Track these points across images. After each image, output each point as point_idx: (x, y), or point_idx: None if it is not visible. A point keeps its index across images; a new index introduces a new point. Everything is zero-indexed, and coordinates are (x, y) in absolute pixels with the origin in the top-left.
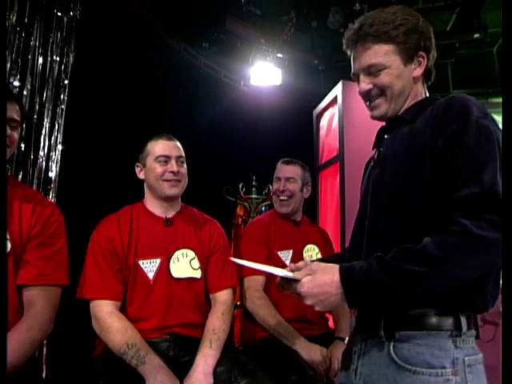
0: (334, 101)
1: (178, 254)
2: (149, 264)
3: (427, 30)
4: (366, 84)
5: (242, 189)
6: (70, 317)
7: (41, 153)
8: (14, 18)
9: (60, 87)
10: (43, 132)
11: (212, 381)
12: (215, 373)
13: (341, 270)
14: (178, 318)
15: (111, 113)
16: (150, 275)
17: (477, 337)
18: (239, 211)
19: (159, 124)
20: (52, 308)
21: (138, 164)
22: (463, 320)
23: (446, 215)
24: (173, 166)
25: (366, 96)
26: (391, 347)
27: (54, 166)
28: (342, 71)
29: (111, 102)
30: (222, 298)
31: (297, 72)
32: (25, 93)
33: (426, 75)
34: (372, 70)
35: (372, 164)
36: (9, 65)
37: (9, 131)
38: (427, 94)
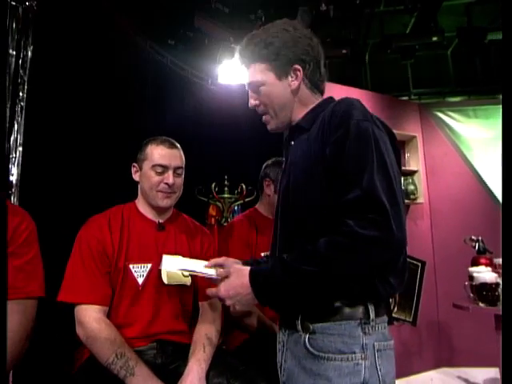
0: None
1: None
2: (139, 268)
3: (301, 43)
4: (253, 100)
5: (214, 188)
6: (44, 329)
7: None
8: None
9: (18, 84)
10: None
11: None
12: (207, 377)
13: (250, 273)
14: (165, 325)
15: (74, 111)
16: (140, 280)
17: (389, 323)
18: (212, 211)
19: (126, 122)
20: (27, 324)
21: (135, 164)
22: (371, 308)
23: (338, 218)
24: (169, 177)
25: (258, 112)
26: (306, 339)
27: (14, 168)
28: None
29: (74, 100)
30: (213, 305)
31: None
32: None
33: (313, 83)
34: (253, 87)
35: (282, 174)
36: None
37: None
38: (319, 100)
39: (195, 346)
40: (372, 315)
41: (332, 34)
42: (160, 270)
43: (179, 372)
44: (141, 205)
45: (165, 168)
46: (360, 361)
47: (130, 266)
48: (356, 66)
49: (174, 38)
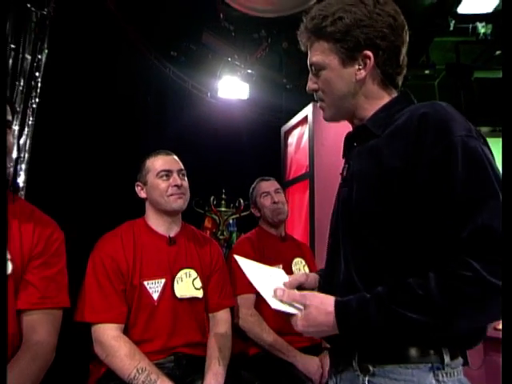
0: (304, 120)
1: (181, 273)
2: (154, 284)
3: (379, 23)
4: (311, 83)
5: (213, 202)
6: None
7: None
8: None
9: (32, 86)
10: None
11: None
12: None
13: (336, 311)
14: (182, 339)
15: (82, 115)
16: (155, 296)
17: (465, 364)
18: (207, 224)
19: (130, 130)
20: (55, 334)
21: (138, 183)
22: (446, 352)
23: (446, 253)
24: (176, 179)
25: (315, 96)
26: (366, 382)
27: (22, 172)
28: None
29: (82, 104)
30: (224, 316)
31: (263, 88)
32: None
33: (387, 76)
34: (314, 70)
35: (341, 181)
36: None
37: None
38: (392, 96)
39: (210, 360)
40: (447, 359)
41: None
42: (173, 284)
43: None
44: (151, 220)
45: (169, 172)
46: None
47: (145, 283)
48: None
49: (177, 50)
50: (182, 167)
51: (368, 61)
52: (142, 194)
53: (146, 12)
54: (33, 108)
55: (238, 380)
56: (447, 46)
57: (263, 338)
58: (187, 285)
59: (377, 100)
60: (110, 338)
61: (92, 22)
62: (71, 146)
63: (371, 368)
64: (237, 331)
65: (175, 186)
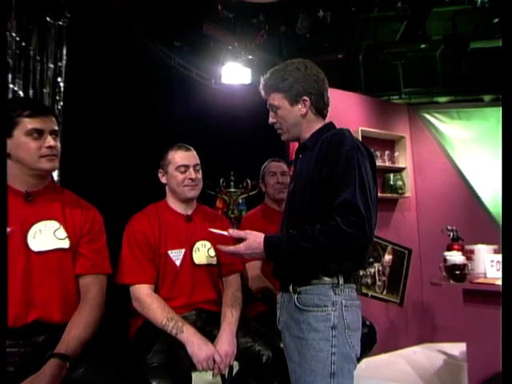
0: None
1: (198, 244)
2: (176, 253)
3: (309, 79)
4: (271, 118)
5: (222, 183)
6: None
7: None
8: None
9: (56, 92)
10: None
11: (236, 342)
12: (236, 336)
13: (265, 239)
14: (201, 296)
15: (100, 112)
16: (177, 262)
17: (357, 290)
18: (219, 204)
19: (141, 121)
20: (103, 292)
21: (161, 170)
22: (340, 277)
23: (329, 214)
24: (191, 173)
25: (274, 127)
26: (295, 298)
27: None
28: None
29: (100, 102)
30: (234, 279)
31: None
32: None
33: (318, 111)
34: (273, 109)
35: (290, 179)
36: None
37: (53, 142)
38: (322, 124)
39: (225, 312)
40: (341, 281)
41: (329, 39)
42: (191, 253)
43: (214, 334)
44: (171, 202)
45: (186, 167)
46: (330, 312)
47: (169, 252)
48: (350, 68)
49: (180, 40)
50: (198, 162)
51: (306, 102)
52: (163, 180)
53: (149, 9)
54: (59, 110)
55: (248, 328)
56: (446, 16)
57: (265, 294)
58: (203, 253)
59: (313, 126)
60: (145, 295)
61: (101, 26)
62: (94, 139)
63: (298, 289)
64: (248, 292)
65: (190, 179)
